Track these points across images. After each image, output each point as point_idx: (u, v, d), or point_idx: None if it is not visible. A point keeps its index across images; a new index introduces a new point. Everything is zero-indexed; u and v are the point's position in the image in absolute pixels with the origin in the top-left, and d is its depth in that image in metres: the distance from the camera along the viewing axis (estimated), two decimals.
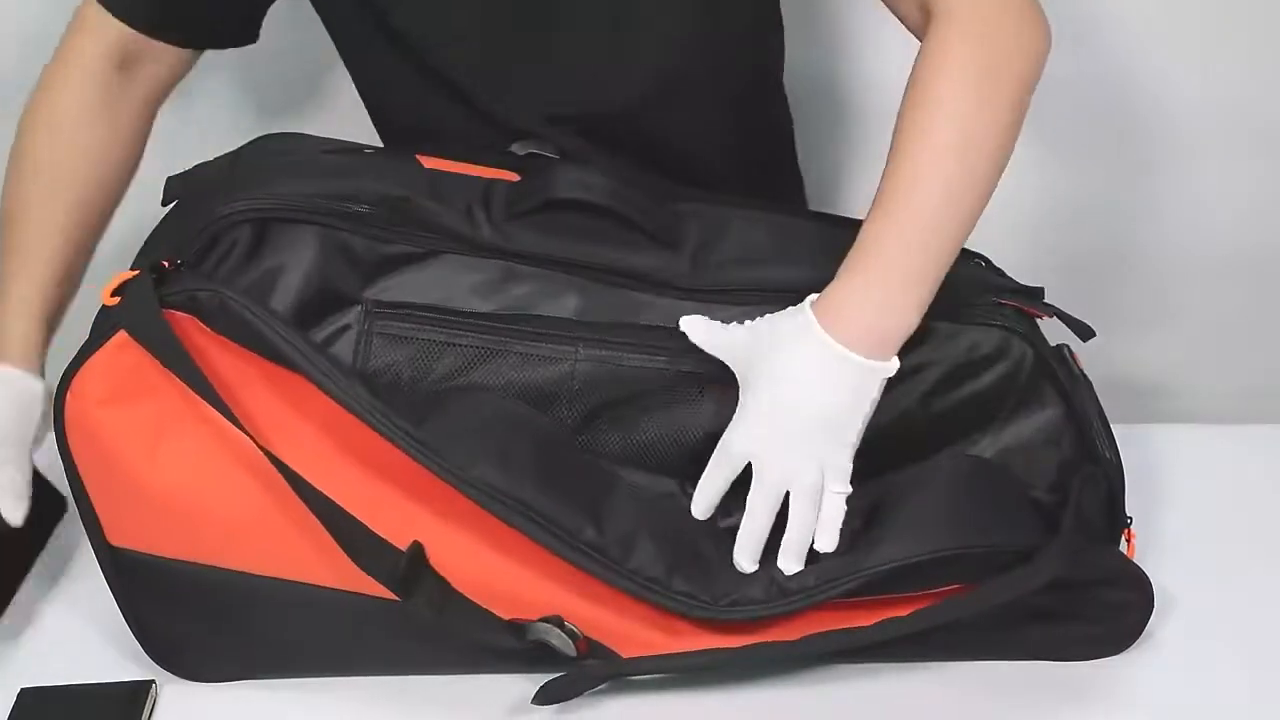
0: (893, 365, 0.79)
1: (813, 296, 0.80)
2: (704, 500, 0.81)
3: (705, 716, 0.83)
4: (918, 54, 0.83)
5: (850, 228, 0.85)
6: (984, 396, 0.85)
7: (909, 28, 0.88)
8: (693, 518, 0.82)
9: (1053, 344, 0.88)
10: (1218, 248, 1.34)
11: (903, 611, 0.80)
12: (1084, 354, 0.89)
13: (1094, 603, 0.83)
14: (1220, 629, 0.87)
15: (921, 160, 0.79)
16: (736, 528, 0.80)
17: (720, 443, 0.80)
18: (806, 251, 0.86)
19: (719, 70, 1.00)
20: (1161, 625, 0.86)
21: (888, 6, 0.89)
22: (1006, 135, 0.81)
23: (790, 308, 0.80)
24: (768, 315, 0.81)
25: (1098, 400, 0.86)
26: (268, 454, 0.76)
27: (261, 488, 0.78)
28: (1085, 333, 0.87)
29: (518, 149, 0.92)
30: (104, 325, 0.78)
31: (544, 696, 0.80)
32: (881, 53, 1.24)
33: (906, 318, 0.80)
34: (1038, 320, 0.87)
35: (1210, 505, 0.98)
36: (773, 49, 1.08)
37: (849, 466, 0.79)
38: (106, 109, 0.94)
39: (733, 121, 1.05)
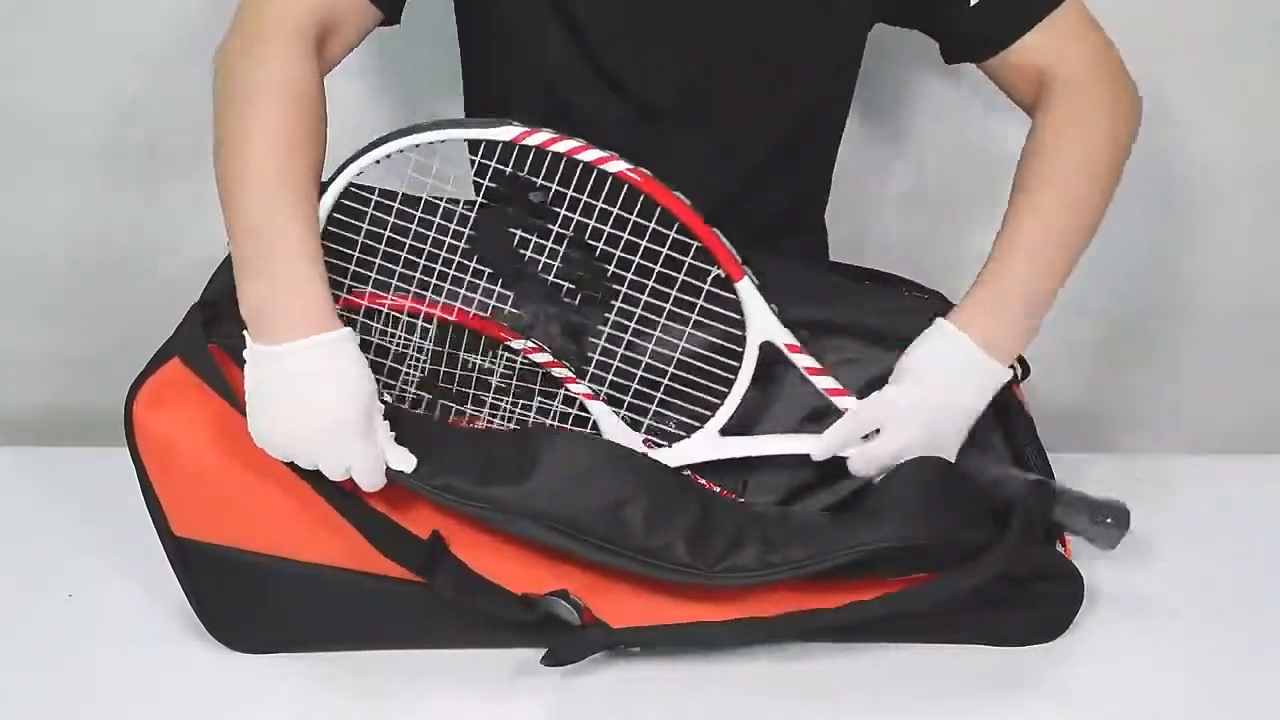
0: (1007, 373, 0.90)
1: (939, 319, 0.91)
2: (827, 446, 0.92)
3: (689, 682, 0.91)
4: (1039, 127, 0.95)
5: (858, 278, 0.96)
6: None
7: (1016, 100, 0.99)
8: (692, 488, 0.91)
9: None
10: (1219, 300, 1.38)
11: (867, 596, 0.88)
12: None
13: (1032, 594, 0.91)
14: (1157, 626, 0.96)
15: (1048, 222, 0.92)
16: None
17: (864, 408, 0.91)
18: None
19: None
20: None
21: (996, 82, 0.99)
22: (1102, 211, 0.94)
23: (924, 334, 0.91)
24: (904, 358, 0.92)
25: (1034, 431, 0.94)
26: (293, 468, 0.85)
27: (299, 491, 0.86)
28: (1024, 370, 0.94)
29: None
30: (167, 348, 0.90)
31: (551, 659, 0.88)
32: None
33: (1023, 341, 0.92)
34: None
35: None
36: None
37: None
38: (319, 79, 0.89)
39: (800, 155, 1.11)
